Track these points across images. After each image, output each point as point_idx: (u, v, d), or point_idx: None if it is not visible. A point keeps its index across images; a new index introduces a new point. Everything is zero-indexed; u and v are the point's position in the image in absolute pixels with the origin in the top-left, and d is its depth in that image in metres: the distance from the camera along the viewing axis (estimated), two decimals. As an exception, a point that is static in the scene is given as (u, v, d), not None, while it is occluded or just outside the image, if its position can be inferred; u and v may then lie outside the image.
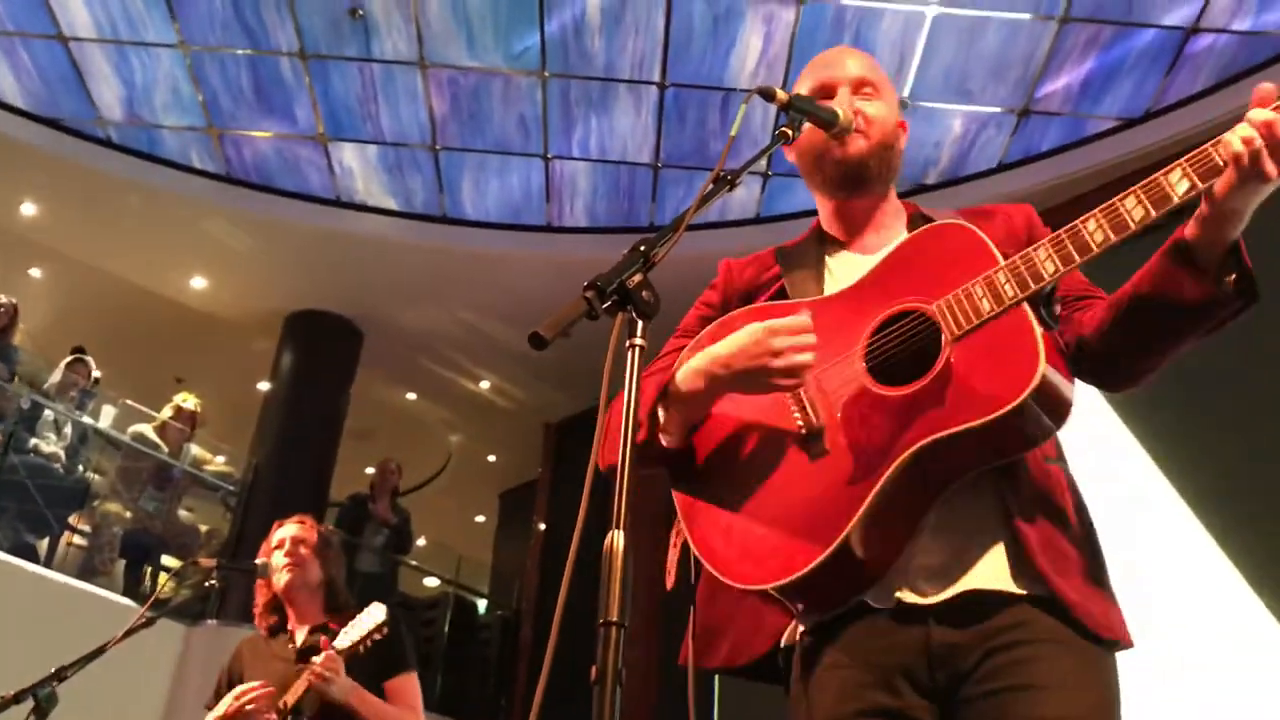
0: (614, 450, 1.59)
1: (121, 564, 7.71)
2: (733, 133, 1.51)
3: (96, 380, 8.12)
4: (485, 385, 10.50)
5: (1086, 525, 1.57)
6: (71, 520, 7.71)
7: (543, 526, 10.21)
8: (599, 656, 1.07)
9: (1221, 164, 1.34)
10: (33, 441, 7.31)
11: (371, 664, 3.06)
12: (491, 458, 12.24)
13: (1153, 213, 1.36)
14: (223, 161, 7.98)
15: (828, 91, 1.76)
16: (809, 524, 1.47)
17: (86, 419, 7.88)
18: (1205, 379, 5.50)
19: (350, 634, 3.04)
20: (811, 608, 1.54)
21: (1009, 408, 1.36)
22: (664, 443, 1.60)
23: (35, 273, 9.84)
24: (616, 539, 1.12)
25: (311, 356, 9.23)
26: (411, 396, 11.04)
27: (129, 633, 3.04)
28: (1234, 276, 1.43)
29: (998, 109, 6.85)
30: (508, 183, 7.98)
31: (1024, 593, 1.45)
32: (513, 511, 11.93)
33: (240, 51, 7.05)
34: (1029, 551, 1.45)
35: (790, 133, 1.62)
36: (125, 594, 7.38)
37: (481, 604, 10.92)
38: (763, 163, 8.11)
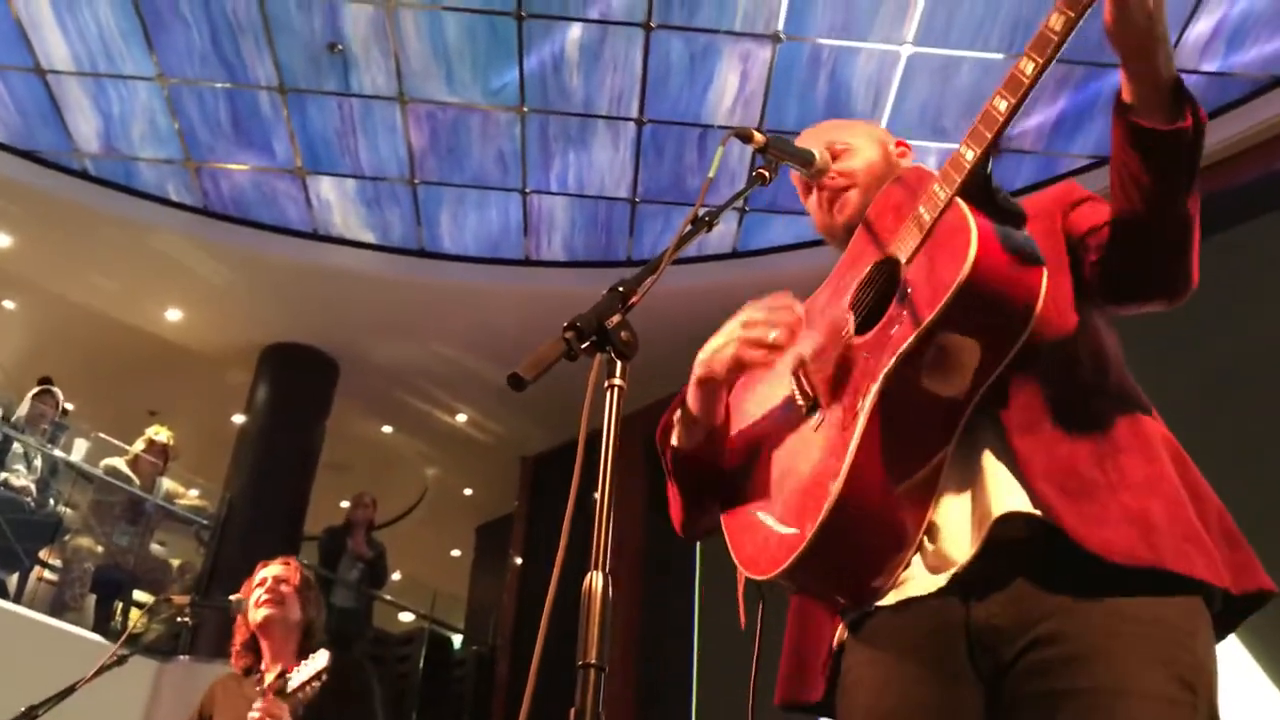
0: (680, 521, 1.72)
1: (92, 599, 7.62)
2: (710, 174, 1.53)
3: (65, 411, 8.05)
4: (462, 419, 10.47)
5: (1137, 459, 1.43)
6: (42, 555, 7.62)
7: (519, 561, 10.16)
8: (578, 699, 1.07)
9: None
10: (2, 475, 7.23)
11: (333, 707, 3.02)
12: (468, 491, 12.19)
13: (1039, 60, 1.33)
14: (200, 194, 7.96)
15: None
16: (814, 489, 1.43)
17: (58, 452, 7.81)
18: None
19: (294, 677, 3.00)
20: (845, 593, 1.51)
21: (952, 290, 1.31)
22: (683, 444, 1.65)
23: (9, 304, 9.78)
24: (596, 580, 1.12)
25: (287, 389, 9.19)
26: (388, 430, 10.99)
27: (101, 671, 3.01)
28: (1186, 114, 1.37)
29: (972, 146, 6.91)
30: (486, 217, 8.00)
31: (1027, 511, 1.37)
32: (489, 546, 11.86)
33: (219, 85, 7.05)
34: (1030, 477, 1.37)
35: (767, 174, 1.63)
36: (96, 630, 7.29)
37: (457, 639, 10.84)
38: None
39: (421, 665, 9.65)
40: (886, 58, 6.42)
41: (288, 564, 3.37)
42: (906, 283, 1.42)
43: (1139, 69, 1.37)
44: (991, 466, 1.43)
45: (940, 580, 1.42)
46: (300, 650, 3.25)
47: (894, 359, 1.37)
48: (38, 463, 7.51)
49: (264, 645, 3.26)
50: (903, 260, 1.45)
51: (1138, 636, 1.32)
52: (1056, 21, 1.32)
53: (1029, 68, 1.34)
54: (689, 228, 1.48)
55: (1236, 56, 6.16)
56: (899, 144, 1.83)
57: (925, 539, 1.44)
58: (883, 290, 1.51)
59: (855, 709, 1.48)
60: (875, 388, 1.39)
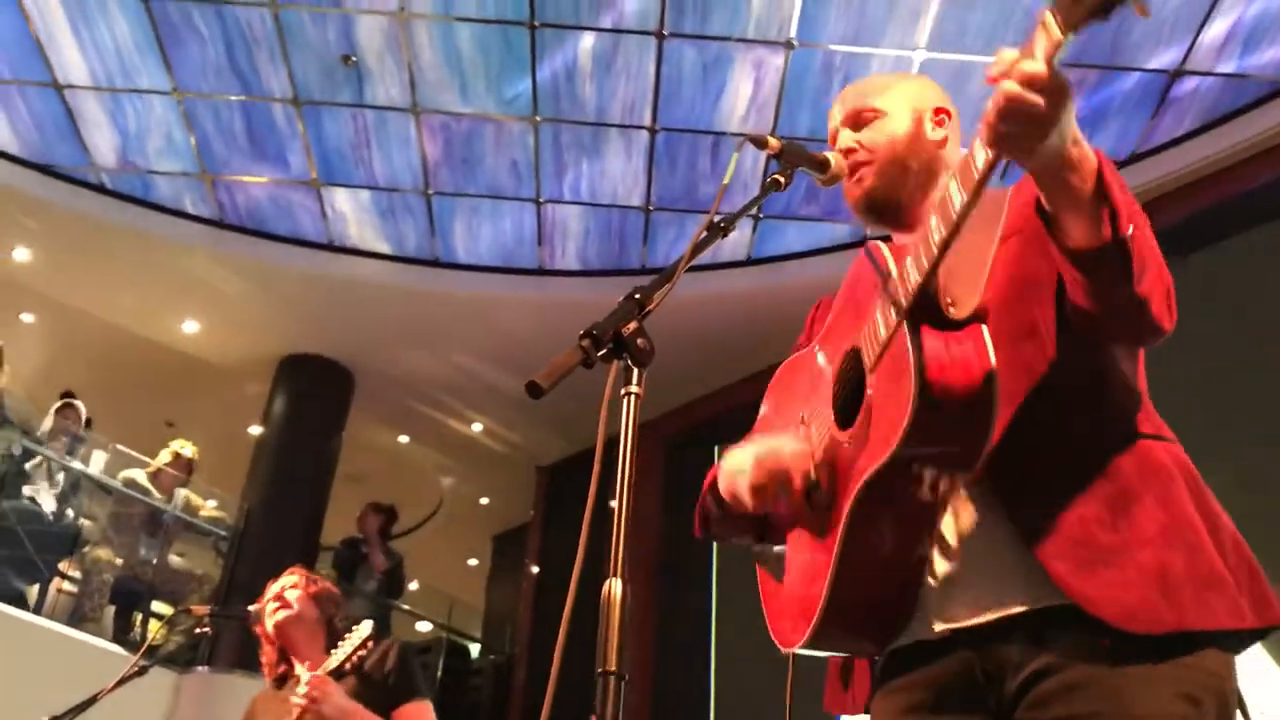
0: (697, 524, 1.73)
1: (111, 610, 7.65)
2: (725, 181, 1.52)
3: (89, 423, 8.07)
4: (477, 428, 10.48)
5: (1151, 507, 1.39)
6: (62, 566, 7.65)
7: (535, 569, 10.16)
8: (598, 707, 1.06)
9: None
10: (27, 491, 7.25)
11: (378, 694, 3.03)
12: (484, 500, 12.19)
13: (967, 193, 1.29)
14: (216, 206, 8.00)
15: (833, 141, 1.76)
16: (811, 585, 1.48)
17: (76, 464, 7.84)
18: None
19: (337, 654, 3.01)
20: (862, 649, 1.58)
21: (892, 451, 1.32)
22: (725, 536, 1.69)
23: (28, 318, 9.83)
24: (615, 587, 1.12)
25: (304, 400, 9.22)
26: (404, 440, 11.01)
27: (121, 681, 3.02)
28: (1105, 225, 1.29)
29: (986, 151, 6.89)
30: (500, 226, 8.01)
31: (1041, 606, 1.37)
32: (506, 555, 11.87)
33: (234, 98, 7.09)
34: (1042, 556, 1.35)
35: (782, 180, 1.62)
36: (115, 641, 7.32)
37: (474, 649, 10.84)
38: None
39: (439, 674, 9.65)
40: (899, 63, 6.41)
41: (294, 573, 3.40)
42: (870, 398, 1.43)
43: (1051, 188, 1.31)
44: (994, 536, 1.43)
45: (943, 628, 1.46)
46: (329, 647, 3.25)
47: (860, 486, 1.39)
48: (60, 476, 7.55)
49: (290, 651, 3.28)
50: (866, 367, 1.45)
51: (1126, 670, 1.31)
52: (979, 155, 1.28)
53: (958, 200, 1.30)
54: (704, 235, 1.48)
55: (1252, 58, 6.13)
56: (938, 111, 1.72)
57: (927, 590, 1.48)
58: (855, 381, 1.51)
59: None
60: (850, 511, 1.41)
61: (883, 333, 1.41)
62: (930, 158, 1.70)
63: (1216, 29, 5.99)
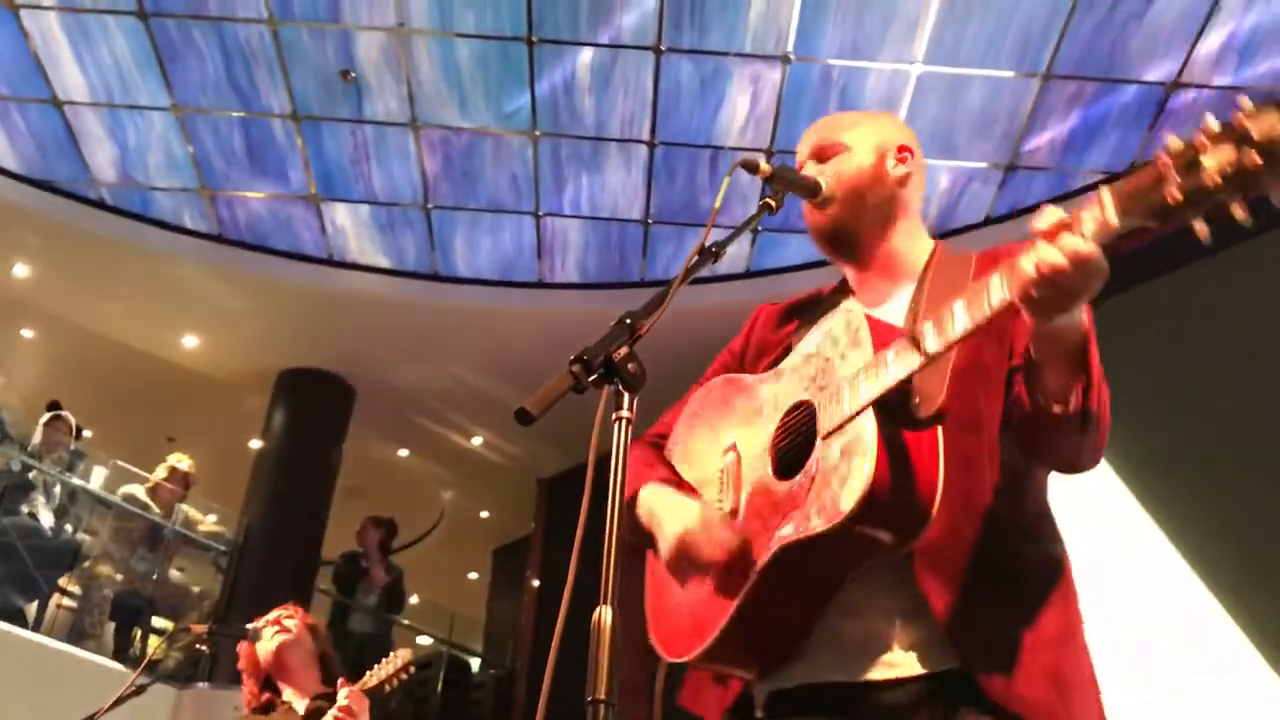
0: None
1: (111, 626, 7.63)
2: (716, 205, 1.53)
3: (79, 432, 8.02)
4: (478, 441, 10.48)
5: (1052, 610, 1.49)
6: (61, 582, 7.63)
7: (536, 583, 10.14)
8: (587, 736, 1.06)
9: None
10: (25, 509, 7.23)
11: None
12: (484, 514, 12.19)
13: (970, 326, 1.31)
14: (215, 222, 8.02)
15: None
16: (711, 608, 1.50)
17: (76, 480, 7.83)
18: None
19: (377, 673, 3.02)
20: (745, 674, 1.56)
21: (832, 525, 1.34)
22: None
23: (28, 333, 9.84)
24: (604, 614, 1.12)
25: (303, 414, 9.22)
26: (404, 453, 11.01)
27: (119, 701, 3.02)
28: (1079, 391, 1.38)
29: (984, 164, 6.92)
30: (500, 240, 8.03)
31: (931, 671, 1.41)
32: (506, 568, 11.85)
33: (233, 113, 7.11)
34: (955, 640, 1.40)
35: (773, 204, 1.64)
36: (114, 657, 7.31)
37: (475, 663, 10.82)
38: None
39: (440, 688, 9.63)
40: (897, 77, 6.43)
41: (289, 606, 3.40)
42: (815, 462, 1.44)
43: (1047, 346, 1.37)
44: (905, 601, 1.45)
45: (843, 679, 1.47)
46: (324, 679, 3.24)
47: (780, 546, 1.41)
48: (56, 490, 7.53)
49: (282, 678, 3.25)
50: (819, 430, 1.45)
51: None
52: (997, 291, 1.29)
53: (959, 326, 1.32)
54: (695, 259, 1.48)
55: (1248, 70, 6.15)
56: (902, 149, 1.75)
57: (828, 640, 1.48)
58: (802, 436, 1.52)
59: None
60: (766, 561, 1.43)
61: (847, 409, 1.41)
62: (890, 194, 1.73)
63: (1212, 41, 6.01)
